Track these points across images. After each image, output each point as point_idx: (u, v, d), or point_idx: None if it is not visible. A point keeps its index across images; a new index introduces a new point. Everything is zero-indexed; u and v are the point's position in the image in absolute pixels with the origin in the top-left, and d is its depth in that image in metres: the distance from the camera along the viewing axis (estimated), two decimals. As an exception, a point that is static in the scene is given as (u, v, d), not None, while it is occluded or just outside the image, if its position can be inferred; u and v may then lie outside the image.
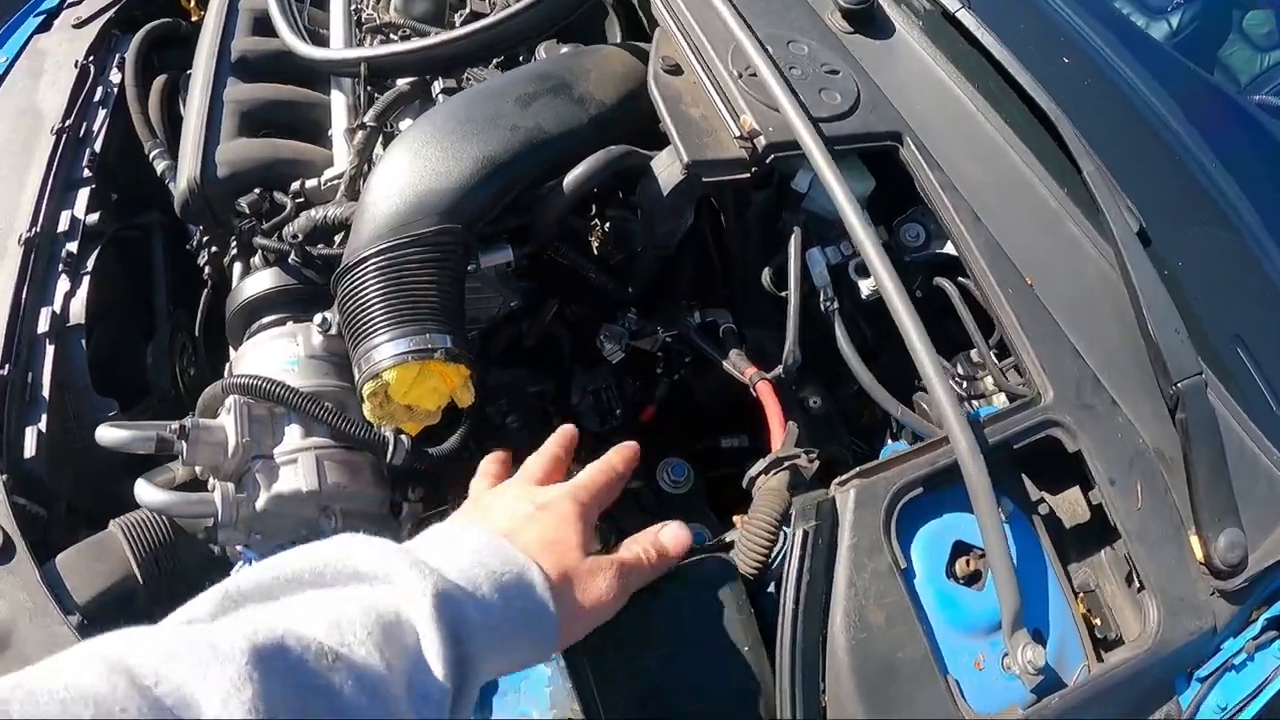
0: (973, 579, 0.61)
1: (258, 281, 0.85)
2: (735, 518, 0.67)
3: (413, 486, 0.83)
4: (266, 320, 0.85)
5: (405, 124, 0.90)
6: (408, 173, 0.69)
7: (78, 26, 1.26)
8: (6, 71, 1.24)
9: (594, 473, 0.56)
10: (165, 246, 1.13)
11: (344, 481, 0.73)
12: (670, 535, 0.54)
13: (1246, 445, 0.76)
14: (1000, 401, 0.76)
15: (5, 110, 1.17)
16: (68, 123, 1.09)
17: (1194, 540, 0.70)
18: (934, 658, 0.56)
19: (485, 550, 0.45)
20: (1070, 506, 0.74)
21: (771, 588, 0.60)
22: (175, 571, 0.81)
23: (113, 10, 1.26)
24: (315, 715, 0.33)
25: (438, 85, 0.88)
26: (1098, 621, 0.68)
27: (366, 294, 0.66)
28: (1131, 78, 1.04)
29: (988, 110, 0.88)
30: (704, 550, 0.60)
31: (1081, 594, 0.70)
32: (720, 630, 0.55)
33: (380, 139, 0.86)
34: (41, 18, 1.33)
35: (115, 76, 1.19)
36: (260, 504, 0.72)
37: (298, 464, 0.72)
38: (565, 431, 0.61)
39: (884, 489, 0.58)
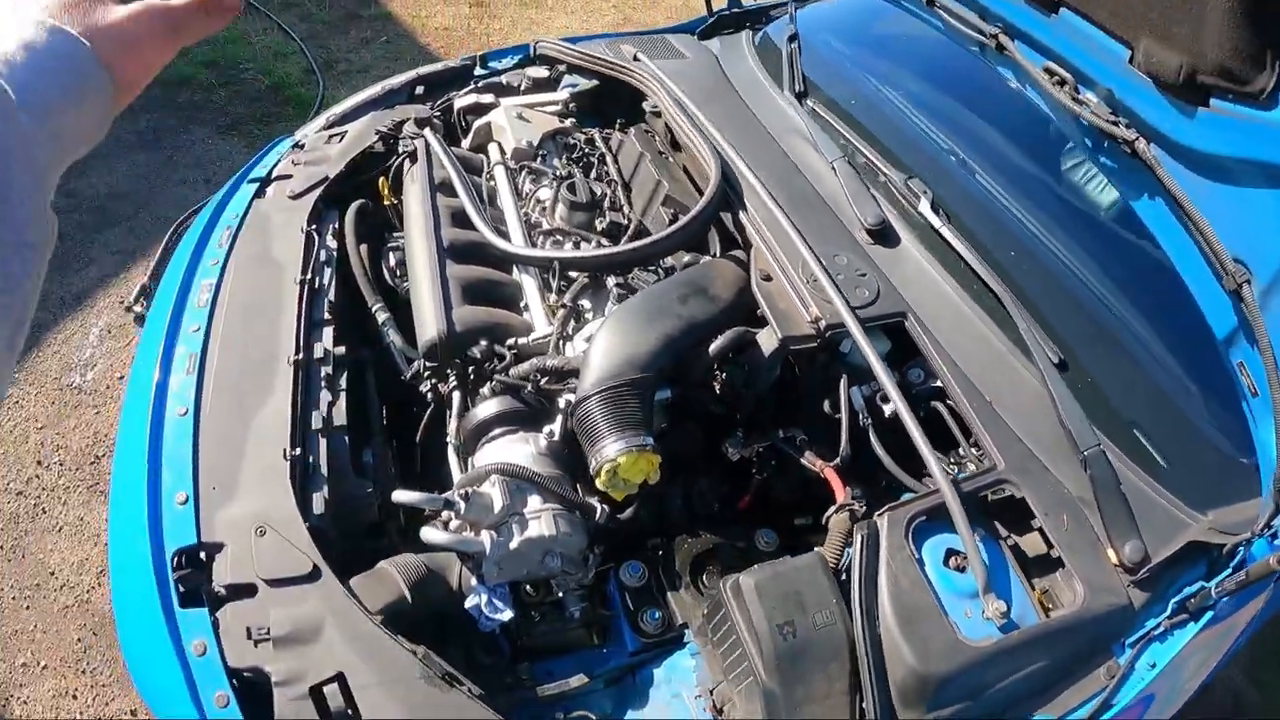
0: (960, 569, 1.25)
1: (488, 406, 1.50)
2: (817, 549, 1.31)
3: (597, 545, 1.45)
4: (496, 432, 1.49)
5: (584, 303, 1.59)
6: (617, 345, 1.38)
7: (293, 198, 1.92)
8: (239, 227, 1.88)
9: None
10: (376, 376, 1.78)
11: (568, 531, 1.36)
12: None
13: (1145, 491, 1.38)
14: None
15: (249, 259, 1.79)
16: (306, 276, 1.73)
17: (1110, 551, 1.32)
18: (940, 607, 1.19)
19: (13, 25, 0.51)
20: (1032, 544, 1.35)
21: (843, 577, 1.23)
22: (429, 596, 1.40)
23: (321, 188, 1.94)
24: None
25: (611, 280, 1.58)
26: (1051, 606, 1.28)
27: (599, 415, 1.32)
28: (1063, 254, 1.73)
29: (960, 291, 1.58)
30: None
31: (1040, 592, 1.31)
32: (822, 596, 1.18)
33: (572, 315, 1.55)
34: (255, 184, 1.99)
35: (329, 241, 1.86)
36: (514, 544, 1.34)
37: (541, 519, 1.35)
38: None
39: (903, 515, 1.25)
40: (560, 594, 1.44)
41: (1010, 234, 1.74)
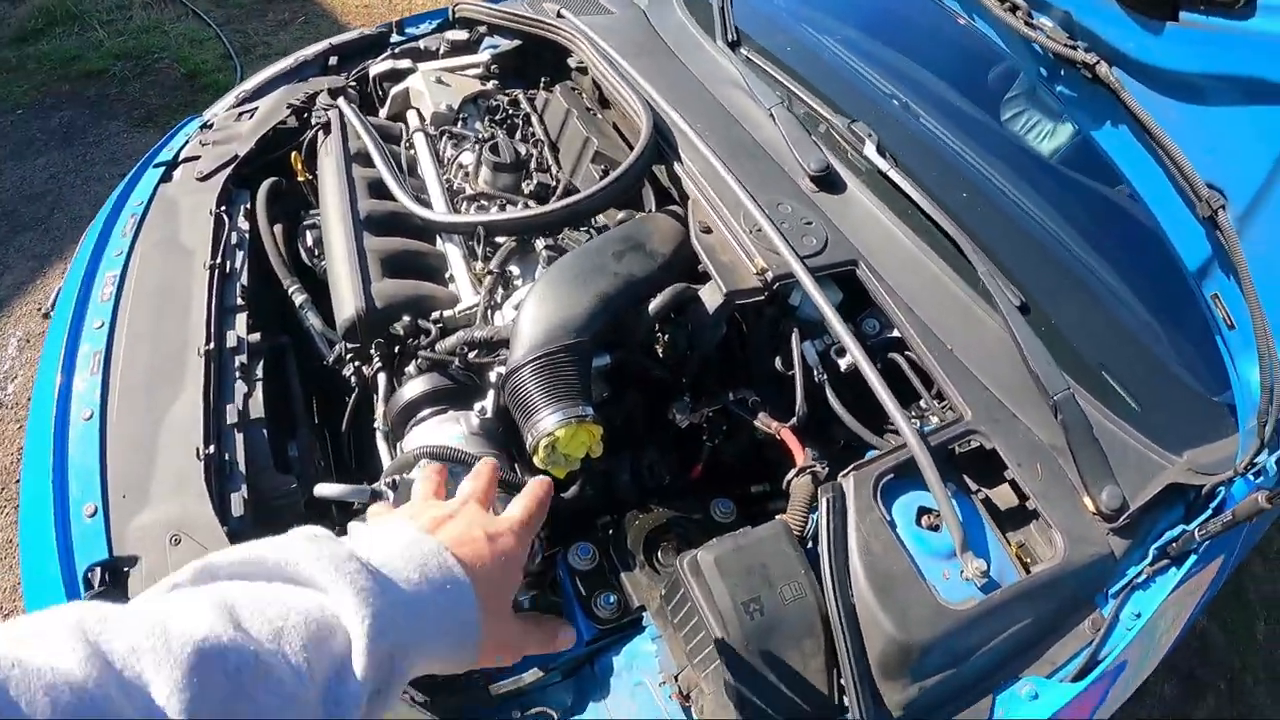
0: (934, 528, 1.12)
1: (414, 386, 1.33)
2: (779, 517, 1.17)
3: (542, 529, 1.29)
4: (425, 413, 1.32)
5: (513, 269, 1.43)
6: (548, 306, 1.21)
7: (201, 179, 1.74)
8: (144, 214, 1.70)
9: (531, 507, 0.71)
10: (298, 363, 1.60)
11: (506, 514, 1.20)
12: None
13: (1118, 435, 1.27)
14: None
15: (155, 246, 1.61)
16: (216, 261, 1.55)
17: (1086, 500, 1.20)
18: (916, 570, 1.06)
19: (433, 567, 0.56)
20: (1003, 497, 1.23)
21: (809, 545, 1.09)
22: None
23: (230, 168, 1.75)
24: (236, 717, 0.42)
25: (540, 242, 1.41)
26: (1029, 560, 1.17)
27: (533, 385, 1.16)
28: (1017, 195, 1.63)
29: (912, 236, 1.45)
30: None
31: (1017, 546, 1.19)
32: (789, 568, 1.04)
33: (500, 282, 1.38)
34: (161, 169, 1.80)
35: (241, 223, 1.67)
36: (449, 534, 1.18)
37: (476, 504, 1.19)
38: (491, 465, 0.78)
39: (870, 474, 1.11)
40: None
41: (961, 176, 1.61)
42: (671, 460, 1.45)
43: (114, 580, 1.15)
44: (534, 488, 0.72)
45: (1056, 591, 1.14)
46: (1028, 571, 1.14)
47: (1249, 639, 2.70)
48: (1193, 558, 1.22)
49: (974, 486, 1.24)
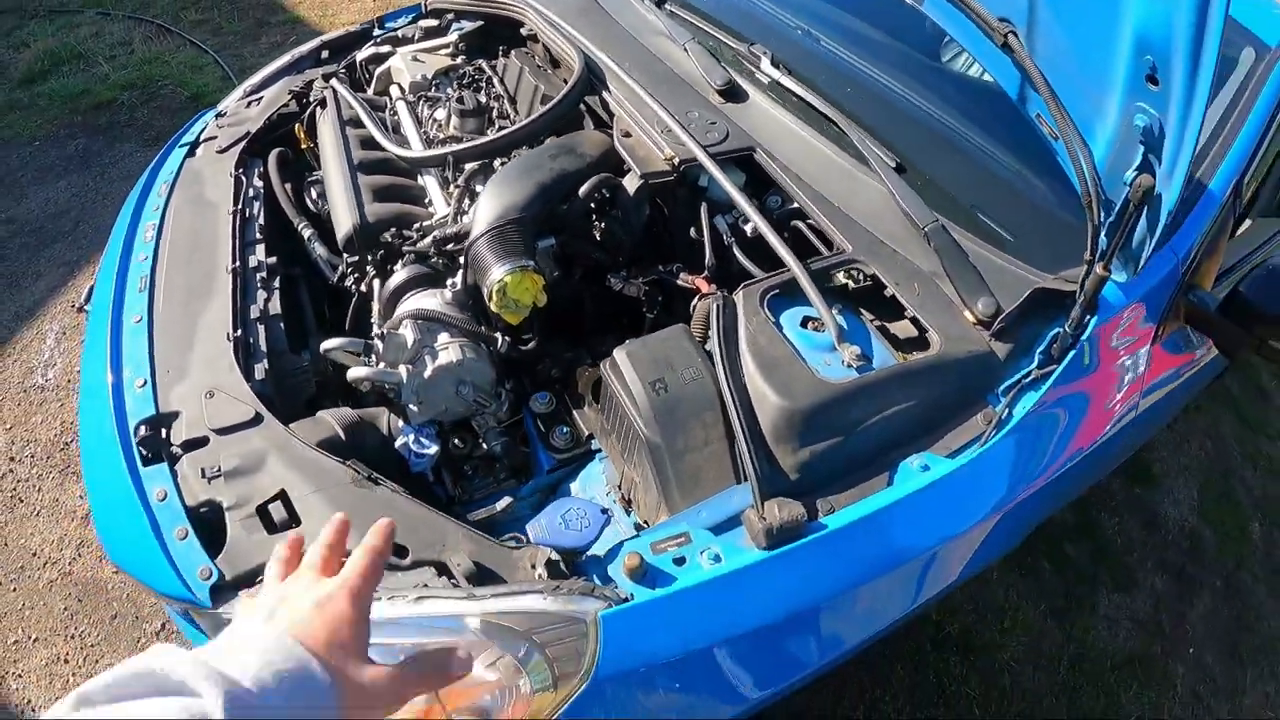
0: (818, 330, 1.43)
1: (400, 275, 1.72)
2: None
3: (506, 381, 1.67)
4: (409, 294, 1.70)
5: (478, 187, 1.83)
6: (499, 195, 1.60)
7: (220, 152, 2.16)
8: (175, 181, 2.10)
9: (364, 560, 0.73)
10: (307, 289, 1.99)
11: (474, 358, 1.57)
12: (460, 658, 0.74)
13: (993, 260, 1.53)
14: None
15: (186, 203, 2.00)
16: (238, 207, 1.94)
17: (966, 313, 1.45)
18: (798, 356, 1.37)
19: (273, 651, 0.62)
20: (903, 329, 1.50)
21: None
22: (363, 444, 1.60)
23: (244, 142, 2.17)
24: None
25: (498, 162, 1.81)
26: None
27: (486, 249, 1.54)
28: (900, 88, 1.96)
29: (805, 126, 1.81)
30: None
31: (905, 358, 1.43)
32: (688, 356, 1.39)
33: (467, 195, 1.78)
34: (186, 147, 2.22)
35: (256, 181, 2.08)
36: (428, 373, 1.55)
37: (449, 349, 1.56)
38: (336, 522, 0.80)
39: (757, 288, 1.46)
40: (485, 444, 1.65)
41: (846, 76, 1.98)
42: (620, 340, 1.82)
43: (156, 430, 1.47)
44: (371, 536, 0.77)
45: (936, 378, 1.35)
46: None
47: (1243, 539, 2.90)
48: (1072, 353, 1.41)
49: (869, 316, 1.50)
